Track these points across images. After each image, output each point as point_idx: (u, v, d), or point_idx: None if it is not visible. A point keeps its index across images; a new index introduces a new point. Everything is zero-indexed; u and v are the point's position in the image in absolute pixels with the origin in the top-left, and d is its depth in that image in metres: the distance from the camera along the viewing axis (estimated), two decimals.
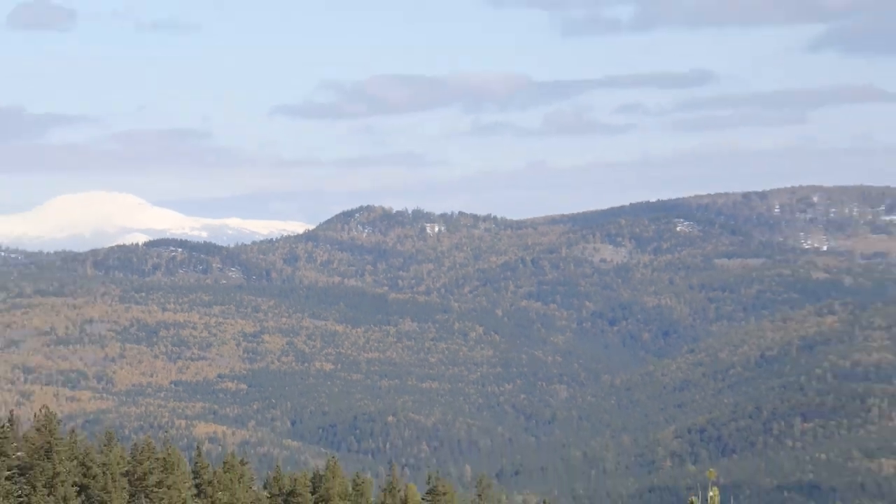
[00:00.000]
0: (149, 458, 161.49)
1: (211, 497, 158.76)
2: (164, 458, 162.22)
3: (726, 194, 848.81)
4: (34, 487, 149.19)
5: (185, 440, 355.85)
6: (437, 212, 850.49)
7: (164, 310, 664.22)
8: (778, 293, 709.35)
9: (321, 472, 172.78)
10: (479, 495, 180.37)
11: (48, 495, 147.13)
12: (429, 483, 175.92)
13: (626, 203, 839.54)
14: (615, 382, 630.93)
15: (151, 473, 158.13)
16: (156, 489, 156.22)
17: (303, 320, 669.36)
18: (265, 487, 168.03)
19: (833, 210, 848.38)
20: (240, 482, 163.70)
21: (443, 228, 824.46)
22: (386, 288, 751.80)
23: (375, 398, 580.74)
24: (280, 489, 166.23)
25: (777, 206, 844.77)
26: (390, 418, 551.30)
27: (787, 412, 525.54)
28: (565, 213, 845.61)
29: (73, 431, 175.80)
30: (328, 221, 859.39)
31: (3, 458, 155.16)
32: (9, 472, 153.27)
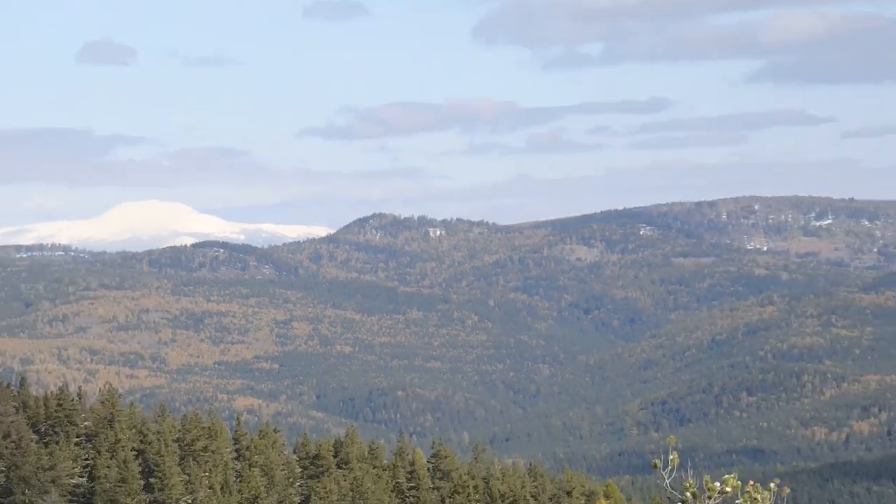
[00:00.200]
0: (196, 426, 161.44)
1: (248, 460, 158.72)
2: (208, 427, 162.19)
3: (681, 203, 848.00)
4: (99, 452, 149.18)
5: (227, 412, 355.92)
6: (439, 218, 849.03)
7: (209, 301, 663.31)
8: (726, 287, 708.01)
9: (342, 439, 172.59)
10: (476, 458, 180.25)
11: (111, 458, 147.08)
12: (433, 448, 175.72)
13: (598, 210, 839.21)
14: (589, 362, 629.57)
15: (198, 440, 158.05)
16: (202, 453, 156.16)
17: (325, 310, 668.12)
18: (294, 452, 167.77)
19: (771, 216, 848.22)
20: (273, 447, 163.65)
21: (443, 232, 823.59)
22: (396, 282, 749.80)
23: (387, 376, 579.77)
24: (307, 453, 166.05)
25: (724, 213, 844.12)
26: (400, 393, 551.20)
27: (734, 387, 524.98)
28: (546, 219, 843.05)
29: (131, 404, 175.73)
30: (347, 226, 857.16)
31: (73, 427, 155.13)
32: (77, 439, 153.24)
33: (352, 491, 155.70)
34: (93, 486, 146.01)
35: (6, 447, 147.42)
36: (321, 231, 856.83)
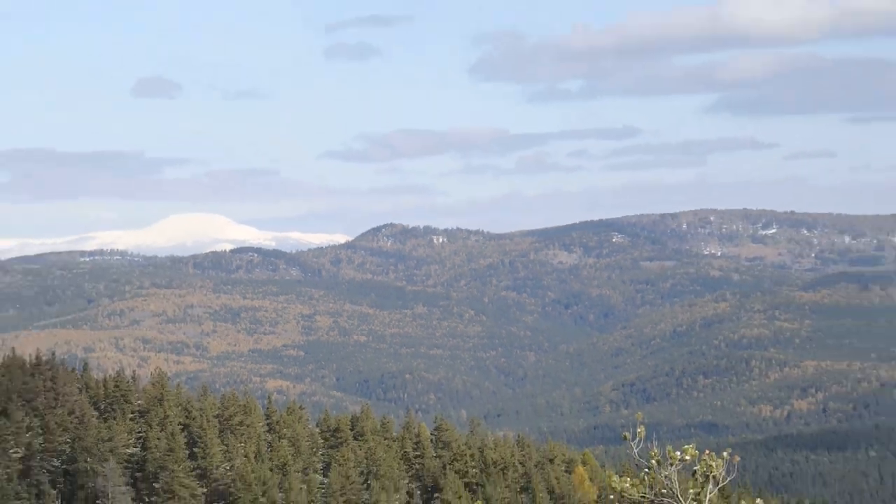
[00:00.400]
0: (233, 404, 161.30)
1: (278, 433, 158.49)
2: (244, 405, 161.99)
3: (648, 215, 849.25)
4: (150, 426, 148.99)
5: (259, 392, 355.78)
6: (441, 227, 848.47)
7: (244, 298, 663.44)
8: (685, 286, 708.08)
9: (358, 415, 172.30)
10: (472, 431, 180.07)
11: (160, 431, 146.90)
12: (435, 422, 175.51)
13: (577, 221, 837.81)
14: (569, 350, 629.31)
15: (235, 415, 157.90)
16: (238, 427, 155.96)
17: (344, 306, 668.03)
18: (317, 426, 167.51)
19: (724, 226, 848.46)
20: (299, 422, 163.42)
21: (445, 240, 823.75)
22: (404, 282, 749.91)
23: (396, 361, 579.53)
24: (328, 427, 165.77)
25: (684, 224, 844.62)
26: (407, 376, 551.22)
27: (692, 371, 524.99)
28: (533, 228, 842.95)
29: (178, 386, 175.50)
30: (362, 234, 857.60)
31: (128, 404, 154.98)
32: (131, 415, 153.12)
33: (366, 459, 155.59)
34: (145, 455, 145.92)
35: (71, 422, 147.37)
36: (341, 238, 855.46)
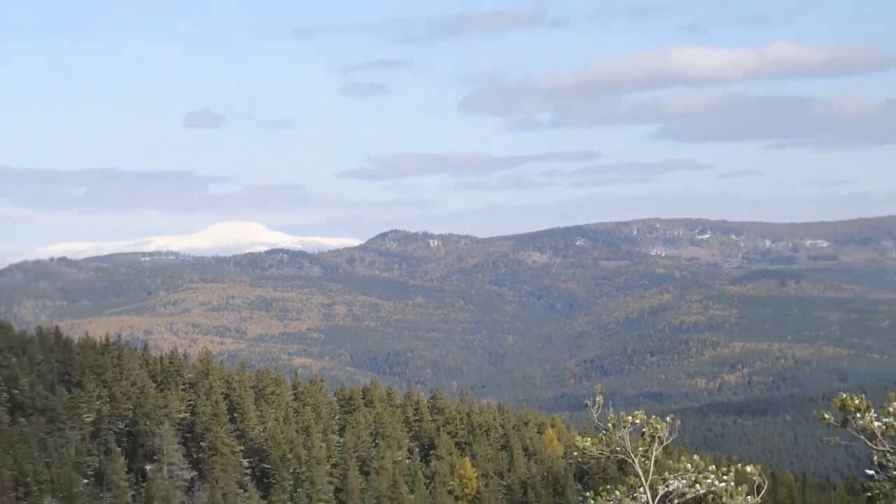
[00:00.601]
0: (266, 377, 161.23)
1: (303, 400, 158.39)
2: (275, 378, 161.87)
3: (606, 223, 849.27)
4: (198, 395, 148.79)
5: (288, 367, 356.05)
6: (436, 233, 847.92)
7: (275, 290, 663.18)
8: (636, 281, 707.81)
9: (368, 386, 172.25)
10: (461, 399, 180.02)
11: (206, 400, 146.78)
12: (431, 392, 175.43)
13: (548, 228, 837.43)
14: (541, 333, 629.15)
15: (268, 386, 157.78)
16: (270, 396, 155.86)
17: (357, 297, 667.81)
18: (335, 395, 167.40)
19: (668, 232, 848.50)
20: (320, 392, 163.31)
21: (439, 243, 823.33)
22: (406, 278, 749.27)
23: (400, 342, 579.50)
24: (344, 396, 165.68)
25: (635, 230, 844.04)
26: (409, 354, 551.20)
27: (641, 351, 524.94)
28: (511, 234, 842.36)
29: (221, 362, 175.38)
30: (372, 239, 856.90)
31: (180, 377, 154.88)
32: (183, 386, 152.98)
33: (374, 422, 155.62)
34: (193, 419, 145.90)
35: (133, 392, 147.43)
36: (354, 242, 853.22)
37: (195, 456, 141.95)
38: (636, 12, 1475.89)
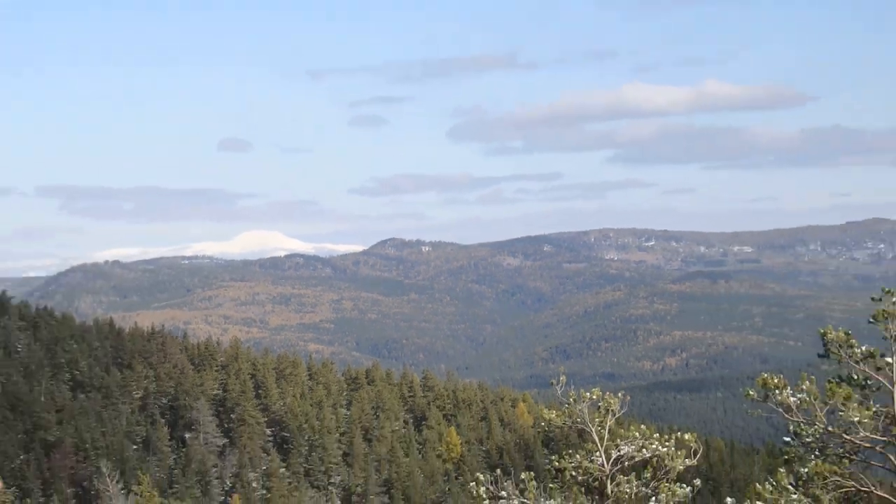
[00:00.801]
0: (286, 360, 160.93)
1: (316, 380, 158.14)
2: (293, 361, 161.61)
3: (568, 232, 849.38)
4: (228, 375, 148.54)
5: (303, 352, 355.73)
6: (428, 240, 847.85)
7: (293, 288, 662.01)
8: (593, 281, 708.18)
9: (370, 368, 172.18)
10: (448, 379, 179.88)
11: (235, 379, 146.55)
12: (423, 373, 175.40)
13: (520, 236, 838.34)
14: (514, 324, 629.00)
15: (287, 368, 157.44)
16: (289, 376, 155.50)
17: (361, 293, 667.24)
18: (342, 375, 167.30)
19: (619, 240, 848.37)
20: (330, 372, 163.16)
21: (430, 249, 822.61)
22: (402, 278, 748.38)
23: (397, 331, 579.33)
24: (350, 376, 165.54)
25: (592, 238, 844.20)
26: (404, 341, 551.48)
27: (598, 338, 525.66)
28: (489, 241, 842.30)
29: (248, 348, 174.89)
30: (374, 245, 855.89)
31: (214, 360, 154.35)
32: (216, 368, 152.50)
33: (375, 398, 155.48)
34: (225, 395, 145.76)
35: (174, 372, 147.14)
36: (359, 248, 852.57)
37: (226, 426, 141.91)
38: (594, 56, 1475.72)
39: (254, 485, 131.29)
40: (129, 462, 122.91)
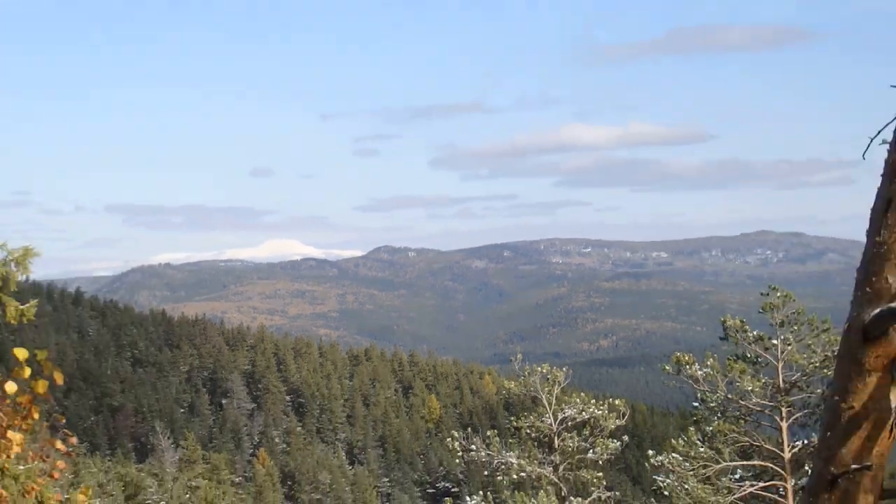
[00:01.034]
0: (301, 343, 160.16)
1: (325, 357, 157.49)
2: (307, 342, 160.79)
3: (523, 241, 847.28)
4: (256, 353, 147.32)
5: (315, 336, 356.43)
6: (414, 247, 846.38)
7: (307, 285, 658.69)
8: (542, 279, 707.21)
9: (368, 348, 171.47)
10: (429, 356, 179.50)
11: (262, 356, 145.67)
12: (409, 353, 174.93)
13: (485, 244, 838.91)
14: (481, 314, 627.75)
15: (301, 348, 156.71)
16: (304, 354, 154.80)
17: (361, 290, 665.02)
18: (346, 354, 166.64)
19: (564, 248, 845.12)
20: (336, 352, 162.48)
21: (416, 254, 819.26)
22: (393, 277, 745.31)
23: (389, 320, 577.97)
24: (352, 354, 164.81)
25: (542, 246, 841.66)
26: (395, 327, 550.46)
27: (547, 325, 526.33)
28: (462, 248, 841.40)
29: (271, 332, 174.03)
30: (371, 251, 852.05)
31: (244, 342, 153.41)
32: (247, 348, 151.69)
33: (372, 372, 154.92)
34: (253, 369, 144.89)
35: (213, 351, 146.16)
36: (359, 253, 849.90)
37: (254, 394, 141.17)
38: (543, 103, 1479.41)
39: (276, 440, 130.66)
40: (178, 422, 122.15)
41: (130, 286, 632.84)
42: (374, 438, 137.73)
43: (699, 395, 25.16)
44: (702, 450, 24.03)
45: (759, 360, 24.66)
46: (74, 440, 6.39)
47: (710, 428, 24.54)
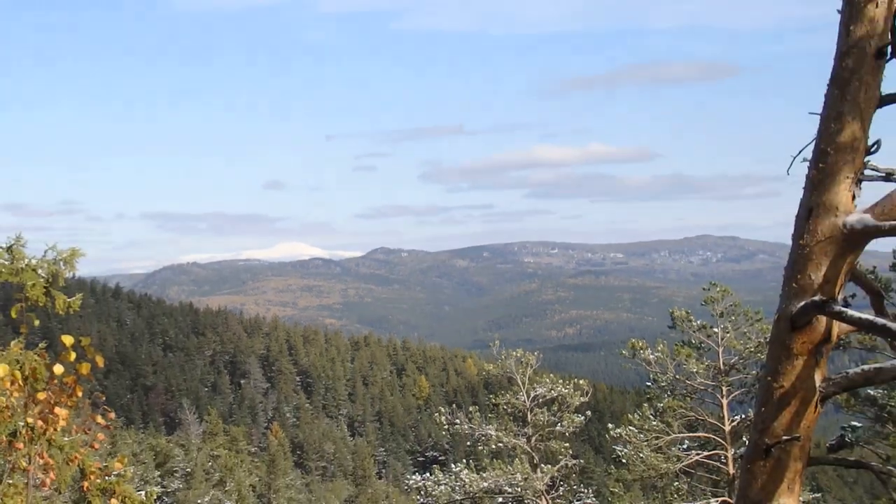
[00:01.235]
0: (309, 330, 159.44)
1: (330, 343, 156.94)
2: (314, 330, 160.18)
3: (500, 244, 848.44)
4: (271, 340, 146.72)
5: (322, 325, 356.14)
6: (406, 249, 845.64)
7: (315, 281, 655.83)
8: (516, 277, 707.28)
9: (367, 336, 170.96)
10: (419, 343, 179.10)
11: (275, 342, 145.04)
12: (403, 340, 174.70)
13: (468, 246, 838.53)
14: (464, 306, 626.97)
15: (310, 336, 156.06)
16: (312, 340, 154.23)
17: (361, 285, 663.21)
18: (348, 340, 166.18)
19: (534, 249, 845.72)
20: (339, 339, 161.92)
21: (408, 255, 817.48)
22: (388, 274, 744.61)
23: (385, 311, 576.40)
24: (353, 341, 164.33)
25: (516, 248, 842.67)
26: (390, 318, 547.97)
27: (521, 316, 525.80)
28: (447, 249, 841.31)
29: (284, 322, 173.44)
30: (369, 252, 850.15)
31: (260, 330, 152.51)
32: (262, 335, 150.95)
33: (370, 356, 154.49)
34: (268, 354, 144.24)
35: (233, 338, 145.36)
36: (359, 254, 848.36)
37: (268, 375, 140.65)
38: (514, 128, 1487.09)
39: (287, 415, 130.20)
40: (202, 400, 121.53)
41: (162, 282, 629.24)
42: (372, 413, 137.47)
43: (651, 375, 25.20)
44: (654, 423, 24.07)
45: (703, 345, 24.73)
46: (112, 415, 6.55)
47: (661, 404, 24.58)
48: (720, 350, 24.46)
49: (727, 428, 23.75)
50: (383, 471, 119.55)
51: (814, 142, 4.72)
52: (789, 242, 4.77)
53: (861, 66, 4.57)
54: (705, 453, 23.80)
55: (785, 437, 4.60)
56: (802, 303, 4.60)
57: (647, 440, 23.74)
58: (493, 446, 25.33)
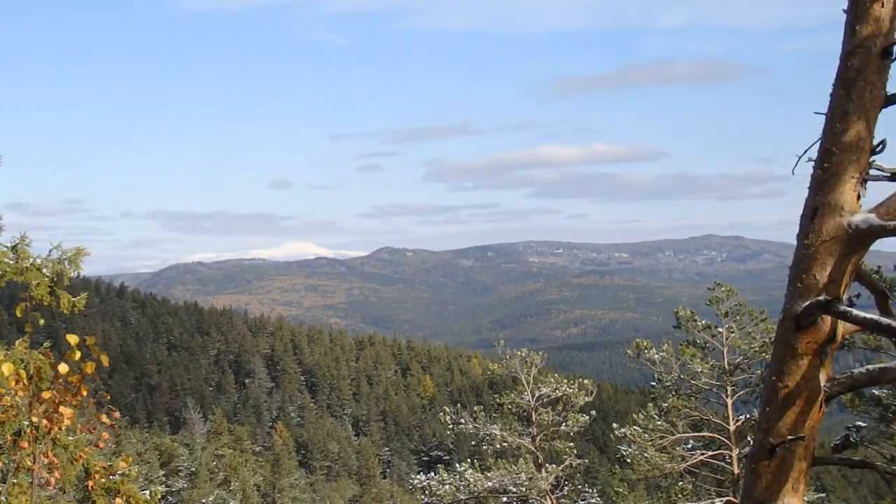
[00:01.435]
0: (314, 329, 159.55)
1: (335, 342, 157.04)
2: (319, 330, 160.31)
3: (504, 243, 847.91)
4: (275, 339, 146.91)
5: (326, 324, 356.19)
6: (411, 248, 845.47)
7: (319, 280, 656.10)
8: (521, 276, 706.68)
9: (371, 335, 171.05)
10: (423, 342, 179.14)
11: (280, 342, 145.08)
12: (407, 339, 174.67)
13: (472, 246, 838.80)
14: (469, 305, 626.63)
15: (314, 335, 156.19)
16: (316, 339, 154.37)
17: (365, 285, 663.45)
18: (353, 340, 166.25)
19: (539, 249, 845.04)
20: (344, 338, 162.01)
21: (412, 254, 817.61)
22: (393, 274, 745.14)
23: (390, 310, 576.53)
24: (357, 340, 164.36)
25: (521, 247, 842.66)
26: (394, 317, 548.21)
27: (525, 315, 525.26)
28: (452, 249, 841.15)
29: (288, 321, 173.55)
30: (373, 251, 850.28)
31: (265, 329, 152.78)
32: (267, 335, 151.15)
33: (375, 355, 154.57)
34: (273, 353, 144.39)
35: (238, 337, 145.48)
36: (364, 253, 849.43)
37: (273, 374, 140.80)
38: (520, 126, 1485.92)
39: (292, 415, 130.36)
40: (207, 399, 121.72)
41: (167, 281, 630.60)
42: (376, 413, 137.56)
43: (656, 375, 25.16)
44: (659, 423, 24.03)
45: (707, 345, 24.69)
46: (117, 415, 6.62)
47: (666, 404, 24.54)
48: (725, 350, 24.42)
49: (732, 428, 23.71)
50: (388, 470, 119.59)
51: (819, 141, 4.73)
52: (794, 242, 4.74)
53: (866, 65, 4.59)
54: (710, 453, 23.76)
55: (789, 437, 4.58)
56: (807, 302, 4.60)
57: (651, 440, 23.70)
58: (498, 446, 25.32)
